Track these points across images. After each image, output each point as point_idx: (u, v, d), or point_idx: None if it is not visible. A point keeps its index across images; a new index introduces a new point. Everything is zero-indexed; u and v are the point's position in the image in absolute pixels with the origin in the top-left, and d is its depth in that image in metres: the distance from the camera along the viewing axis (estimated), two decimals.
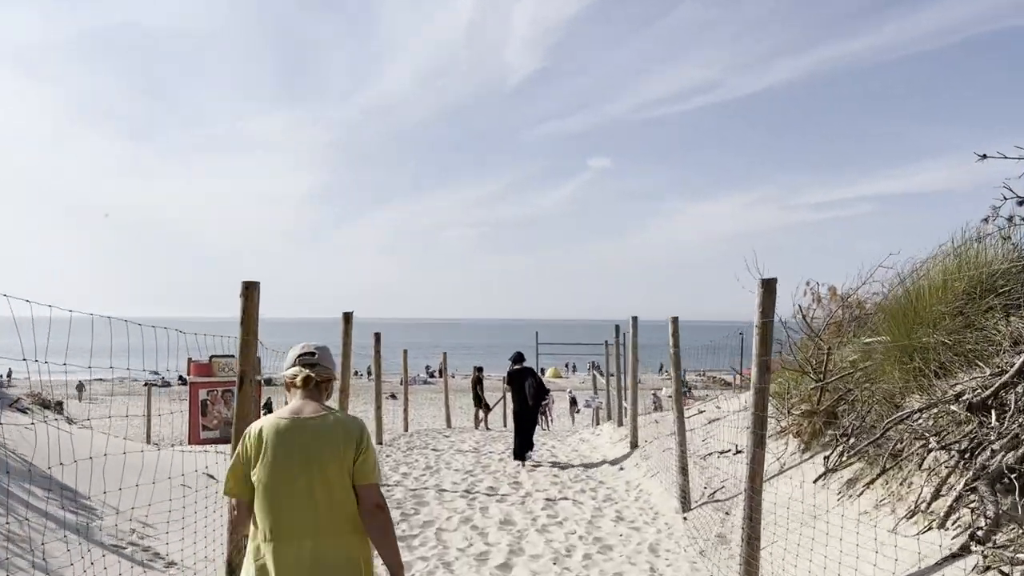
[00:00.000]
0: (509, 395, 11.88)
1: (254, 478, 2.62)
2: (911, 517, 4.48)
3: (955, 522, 4.01)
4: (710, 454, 8.34)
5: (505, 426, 19.94)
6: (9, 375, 34.11)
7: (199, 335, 5.13)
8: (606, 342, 17.30)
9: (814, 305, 9.81)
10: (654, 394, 26.73)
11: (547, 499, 7.94)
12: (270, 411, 27.84)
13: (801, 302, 10.27)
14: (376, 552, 2.69)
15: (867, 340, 6.72)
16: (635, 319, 10.51)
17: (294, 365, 2.81)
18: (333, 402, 3.06)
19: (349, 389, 8.77)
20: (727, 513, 6.45)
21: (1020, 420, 4.01)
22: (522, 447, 10.60)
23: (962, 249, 5.65)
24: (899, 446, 5.05)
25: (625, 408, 13.82)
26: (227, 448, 4.77)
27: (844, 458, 5.84)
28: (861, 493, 5.11)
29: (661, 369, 59.82)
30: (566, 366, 64.05)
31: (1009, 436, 3.91)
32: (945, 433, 4.67)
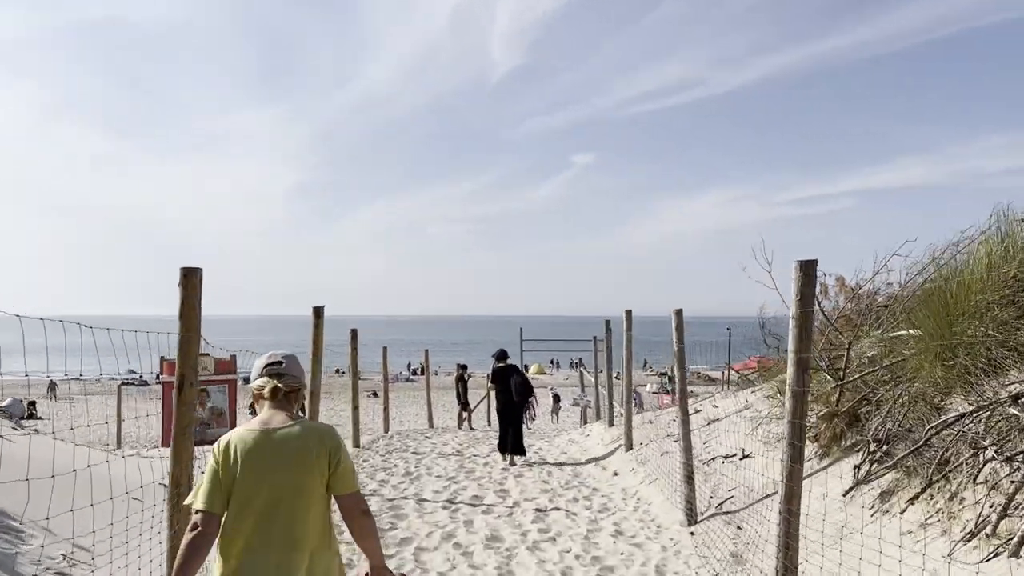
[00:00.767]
0: (493, 393, 11.45)
1: (224, 491, 2.54)
2: (969, 540, 3.82)
3: None
4: (713, 459, 7.68)
5: (489, 425, 19.23)
6: None
7: (170, 334, 4.65)
8: (595, 338, 16.63)
9: (820, 297, 9.18)
10: (634, 391, 25.98)
11: (537, 510, 7.24)
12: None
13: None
14: (363, 555, 2.69)
15: (893, 334, 6.08)
16: (629, 312, 9.83)
17: (261, 375, 2.76)
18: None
19: (320, 391, 8.05)
20: (739, 527, 5.78)
21: None
22: (512, 446, 10.26)
23: (1011, 231, 5.00)
24: (947, 455, 4.39)
25: (618, 410, 13.16)
26: (196, 450, 4.14)
27: (874, 467, 5.19)
28: (904, 510, 4.44)
29: (645, 365, 59.34)
30: (551, 362, 63.42)
31: None
32: (1005, 440, 4.01)
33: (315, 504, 2.58)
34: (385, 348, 15.97)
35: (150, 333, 4.72)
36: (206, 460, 2.70)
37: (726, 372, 30.75)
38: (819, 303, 9.42)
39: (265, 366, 2.79)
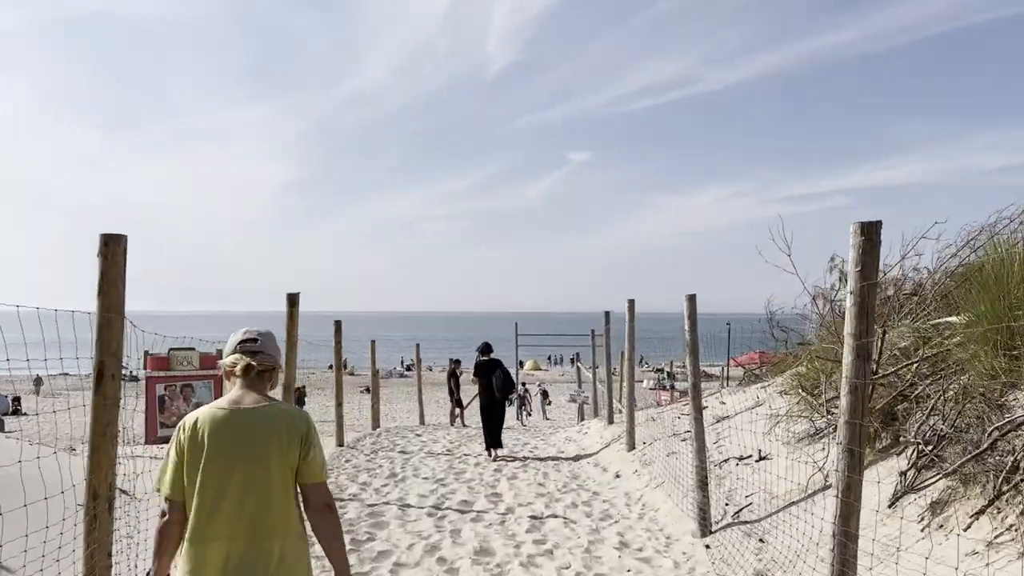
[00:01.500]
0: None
1: (188, 471, 2.41)
2: None
3: None
4: (726, 460, 6.99)
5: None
6: None
7: (157, 334, 4.92)
8: (592, 331, 15.95)
9: (839, 284, 8.51)
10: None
11: (532, 517, 6.55)
12: (302, 402, 26.49)
13: (803, 288, 8.99)
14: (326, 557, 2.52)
15: (933, 321, 5.40)
16: (632, 303, 9.13)
17: (234, 352, 2.60)
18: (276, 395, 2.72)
19: (293, 384, 7.34)
20: (762, 540, 5.09)
21: None
22: (493, 443, 10.09)
23: None
24: (1017, 460, 3.71)
25: (616, 406, 12.48)
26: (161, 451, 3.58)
27: (920, 472, 4.50)
28: (968, 526, 3.75)
29: (641, 361, 58.62)
30: (548, 359, 62.66)
31: None
32: None
33: (286, 489, 2.44)
34: (373, 342, 15.26)
35: (136, 329, 4.44)
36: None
37: (726, 368, 30.15)
38: (835, 291, 8.75)
39: (239, 342, 2.60)
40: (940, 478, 4.25)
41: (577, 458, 9.87)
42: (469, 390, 19.18)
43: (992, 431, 3.89)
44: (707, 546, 5.37)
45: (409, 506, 6.99)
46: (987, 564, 3.46)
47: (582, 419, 17.32)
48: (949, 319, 5.14)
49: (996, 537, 3.59)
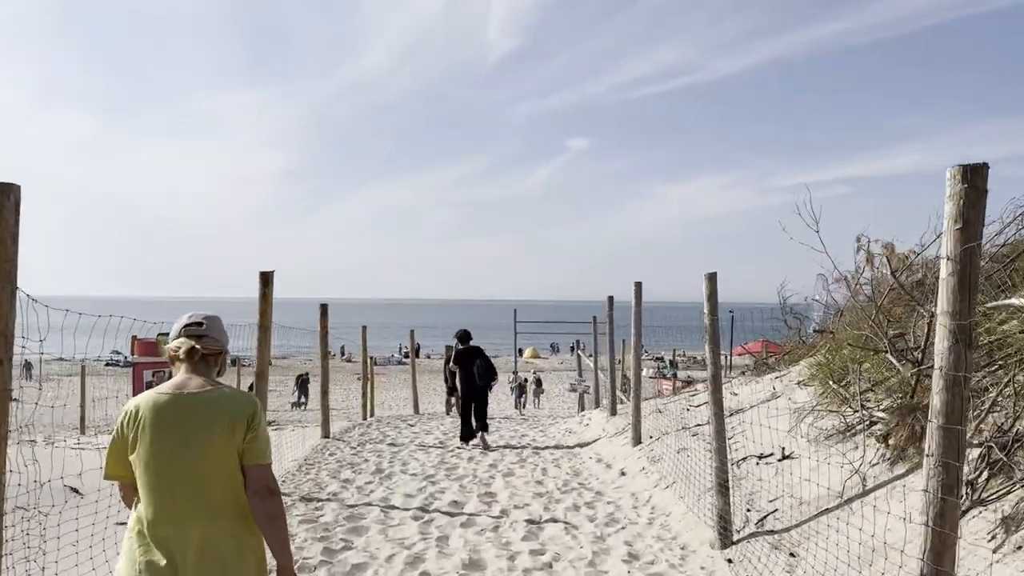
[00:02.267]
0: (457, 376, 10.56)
1: (133, 459, 2.37)
2: None
3: None
4: (744, 459, 6.32)
5: None
6: None
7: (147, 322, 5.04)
8: (594, 318, 15.28)
9: (865, 267, 7.82)
10: (626, 376, 24.60)
11: (529, 521, 5.89)
12: (305, 389, 25.64)
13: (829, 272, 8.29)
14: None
15: (993, 304, 4.71)
16: (639, 285, 8.44)
17: (179, 336, 2.55)
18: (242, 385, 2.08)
19: (267, 372, 6.67)
20: (792, 555, 4.43)
21: None
22: (477, 425, 9.86)
23: None
24: None
25: (620, 397, 11.84)
26: None
27: (986, 480, 3.84)
28: None
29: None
30: (551, 347, 62.04)
31: None
32: None
33: (232, 473, 2.39)
34: (364, 327, 14.58)
35: (123, 316, 4.71)
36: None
37: (729, 357, 29.58)
38: (859, 275, 8.06)
39: (184, 326, 2.57)
40: (1012, 487, 3.59)
41: (578, 453, 9.21)
42: None
43: None
44: (729, 560, 4.70)
45: (393, 507, 6.33)
46: None
47: (582, 409, 16.68)
48: (1011, 301, 4.45)
49: None
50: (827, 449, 5.67)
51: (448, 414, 16.05)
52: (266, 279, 6.68)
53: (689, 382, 21.81)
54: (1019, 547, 3.35)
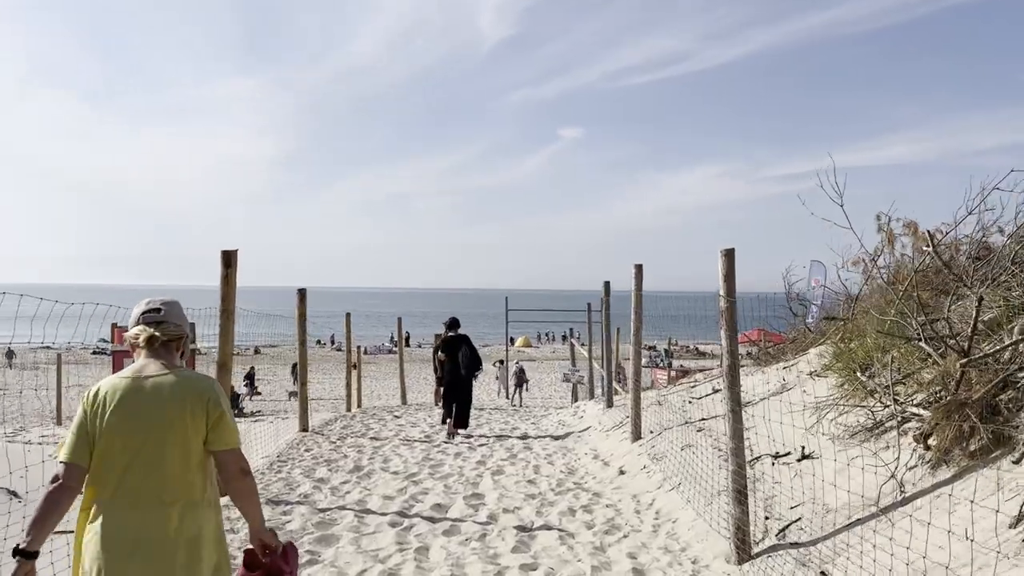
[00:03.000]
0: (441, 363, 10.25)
1: (93, 444, 2.34)
2: None
3: None
4: (756, 458, 5.72)
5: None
6: None
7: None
8: (589, 305, 14.69)
9: (884, 248, 7.23)
10: (619, 365, 24.00)
11: (520, 528, 5.28)
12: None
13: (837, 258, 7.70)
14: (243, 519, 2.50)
15: None
16: (639, 268, 7.82)
17: (137, 323, 2.53)
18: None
19: (231, 361, 6.04)
20: (823, 574, 3.83)
21: None
22: (456, 419, 9.65)
23: None
24: None
25: (618, 388, 11.26)
26: None
27: None
28: None
29: None
30: (546, 335, 61.42)
31: None
32: None
33: (189, 457, 2.37)
34: (348, 314, 13.95)
35: (111, 305, 4.91)
36: None
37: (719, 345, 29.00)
38: (879, 254, 7.47)
39: (142, 313, 2.54)
40: None
41: (573, 448, 8.61)
42: None
43: None
44: None
45: (369, 512, 5.71)
46: None
47: (575, 400, 16.10)
48: None
49: None
50: (852, 449, 5.08)
51: (437, 404, 15.43)
52: (228, 259, 6.03)
53: (685, 372, 21.25)
54: None
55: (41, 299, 4.20)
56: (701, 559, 4.50)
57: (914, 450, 4.55)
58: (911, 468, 4.43)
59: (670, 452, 6.71)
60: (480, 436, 9.82)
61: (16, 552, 2.22)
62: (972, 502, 3.61)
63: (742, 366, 12.56)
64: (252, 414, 19.20)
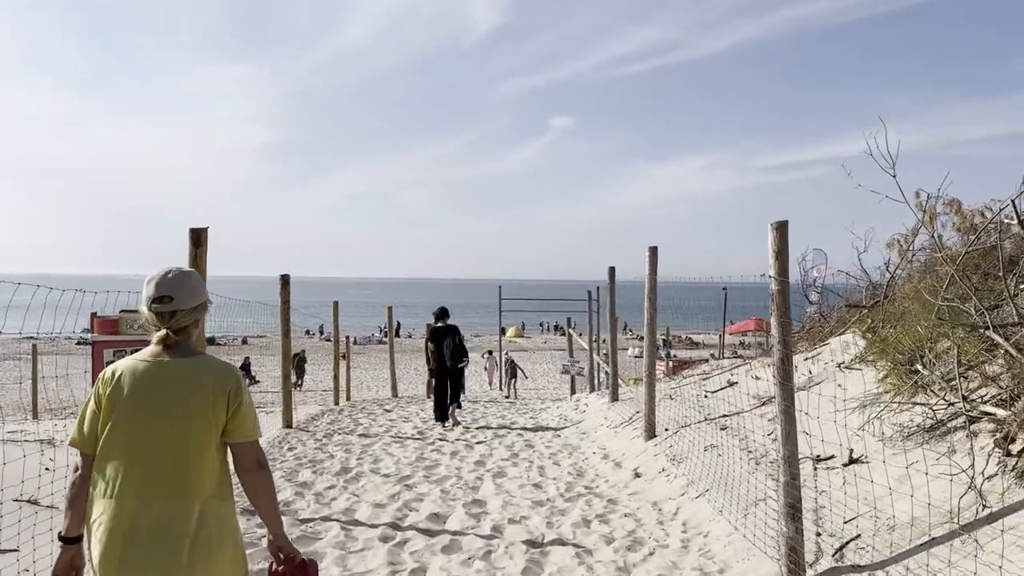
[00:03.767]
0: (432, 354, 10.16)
1: (106, 427, 2.25)
2: None
3: None
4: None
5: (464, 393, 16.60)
6: None
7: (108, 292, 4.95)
8: (589, 292, 14.05)
9: (926, 227, 6.59)
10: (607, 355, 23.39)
11: (530, 543, 4.63)
12: (302, 368, 24.90)
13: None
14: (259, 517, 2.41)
15: None
16: (654, 250, 7.16)
17: (148, 309, 2.32)
18: None
19: (204, 351, 5.30)
20: None
21: None
22: (443, 414, 9.60)
23: None
24: None
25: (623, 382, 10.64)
26: None
27: None
28: None
29: (625, 328, 56.64)
30: (540, 325, 60.69)
31: None
32: None
33: (208, 448, 2.26)
34: (336, 303, 13.24)
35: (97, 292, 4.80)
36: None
37: (722, 335, 28.57)
38: (914, 235, 6.85)
39: (152, 301, 2.31)
40: None
41: (579, 446, 7.97)
42: None
43: None
44: None
45: (357, 523, 5.05)
46: None
47: (573, 392, 15.47)
48: None
49: None
50: (908, 451, 4.46)
51: (429, 397, 14.81)
52: (198, 237, 5.34)
53: (683, 363, 20.68)
54: None
55: (19, 284, 3.94)
56: None
57: (990, 455, 3.93)
58: (989, 477, 3.81)
59: (691, 453, 6.07)
60: (477, 430, 9.19)
61: (60, 538, 2.27)
62: None
63: (736, 355, 11.95)
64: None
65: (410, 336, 51.24)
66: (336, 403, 12.54)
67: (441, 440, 8.40)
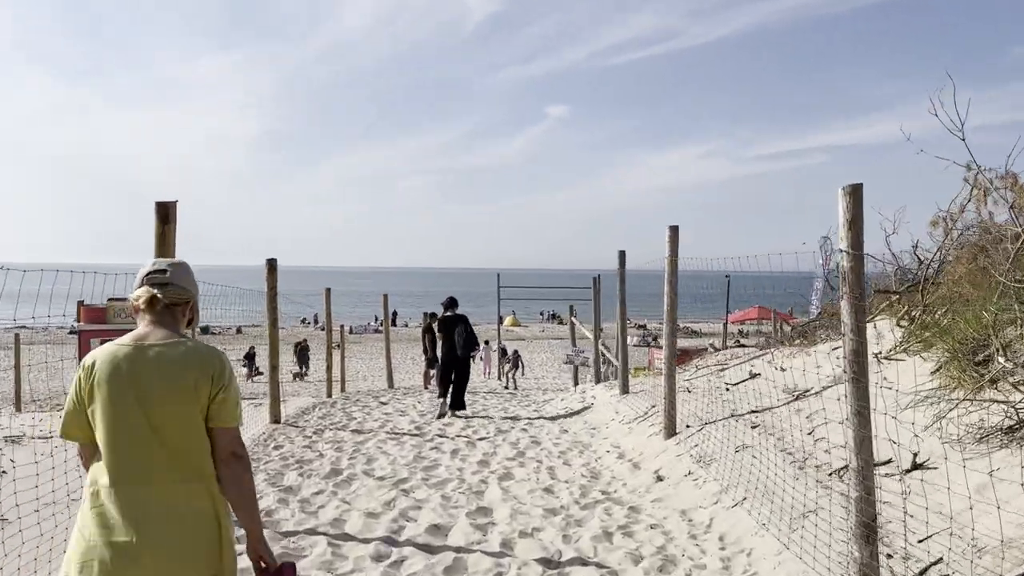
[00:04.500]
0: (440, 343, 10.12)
1: (91, 416, 2.18)
2: None
3: None
4: (844, 467, 4.48)
5: None
6: None
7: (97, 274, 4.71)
8: (594, 280, 13.44)
9: (977, 202, 5.97)
10: (603, 344, 22.79)
11: (546, 562, 4.02)
12: (305, 356, 24.47)
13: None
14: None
15: None
16: (675, 230, 6.52)
17: (142, 284, 2.32)
18: None
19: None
20: None
21: None
22: (452, 401, 9.47)
23: None
24: None
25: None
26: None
27: None
28: None
29: None
30: (540, 314, 60.10)
31: None
32: None
33: (195, 432, 2.19)
34: (328, 290, 12.59)
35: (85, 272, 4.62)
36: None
37: (726, 324, 28.03)
38: (963, 209, 6.25)
39: (147, 274, 2.33)
40: None
41: (589, 444, 7.36)
42: None
43: None
44: None
45: (347, 537, 4.43)
46: None
47: (576, 383, 14.87)
48: None
49: None
50: (985, 457, 3.86)
51: (427, 387, 14.22)
52: (165, 213, 4.69)
53: (684, 352, 20.12)
54: None
55: (7, 269, 3.79)
56: None
57: None
58: None
59: (720, 454, 5.46)
60: (478, 421, 8.59)
61: None
62: None
63: (738, 343, 11.34)
64: (253, 397, 17.90)
65: (406, 325, 50.64)
66: (329, 395, 11.93)
67: (440, 436, 7.79)
